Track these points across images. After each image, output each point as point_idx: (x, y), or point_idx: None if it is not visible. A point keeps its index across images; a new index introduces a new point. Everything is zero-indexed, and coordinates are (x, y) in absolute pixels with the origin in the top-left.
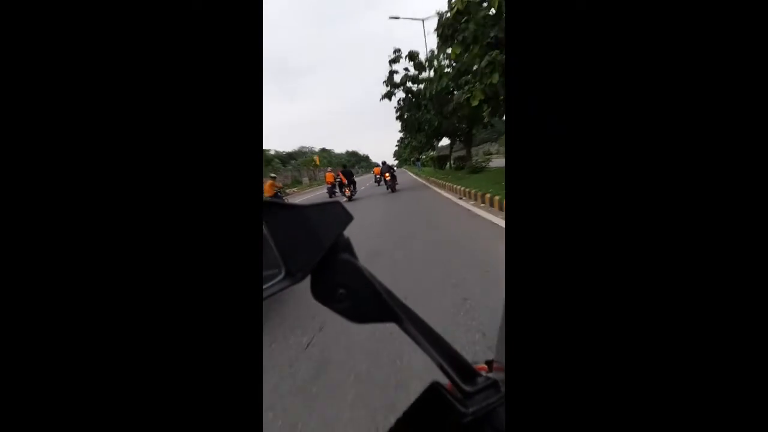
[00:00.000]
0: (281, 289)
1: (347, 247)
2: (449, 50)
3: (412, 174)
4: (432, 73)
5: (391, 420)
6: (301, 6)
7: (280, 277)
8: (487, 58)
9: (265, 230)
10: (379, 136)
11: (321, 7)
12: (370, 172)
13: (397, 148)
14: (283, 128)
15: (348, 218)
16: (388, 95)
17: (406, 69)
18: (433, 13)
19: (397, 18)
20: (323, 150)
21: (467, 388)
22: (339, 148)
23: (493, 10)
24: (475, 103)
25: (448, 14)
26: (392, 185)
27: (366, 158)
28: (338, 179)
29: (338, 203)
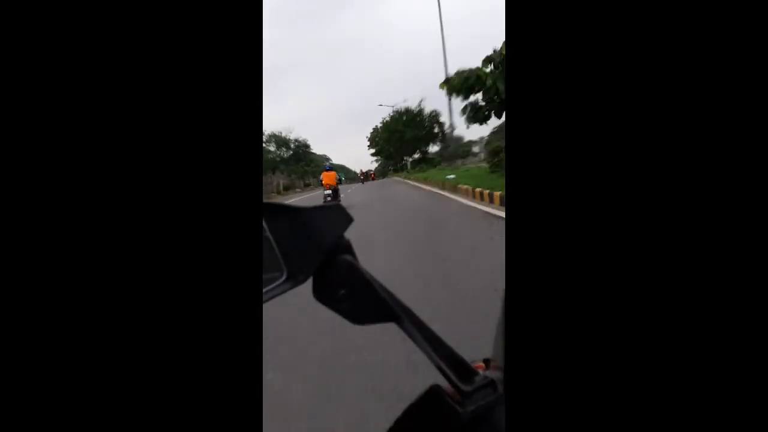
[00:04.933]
0: (283, 291)
1: (348, 248)
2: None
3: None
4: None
5: (390, 422)
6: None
7: (282, 279)
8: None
9: (267, 233)
10: (352, 142)
11: (302, 4)
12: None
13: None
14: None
15: (348, 220)
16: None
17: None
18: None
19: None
20: None
21: (465, 387)
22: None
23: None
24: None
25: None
26: None
27: (326, 159)
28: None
29: (339, 205)
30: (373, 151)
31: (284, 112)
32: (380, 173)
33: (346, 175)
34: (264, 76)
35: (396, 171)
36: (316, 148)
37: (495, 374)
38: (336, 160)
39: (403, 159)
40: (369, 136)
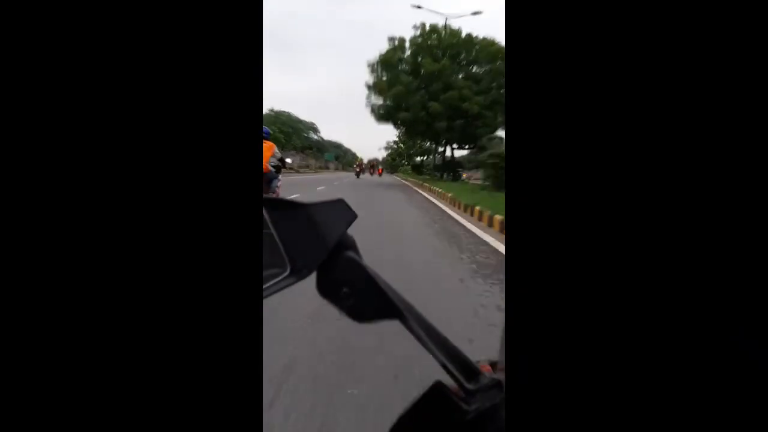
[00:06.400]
0: (286, 286)
1: (351, 245)
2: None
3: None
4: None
5: (393, 418)
6: None
7: (286, 273)
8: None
9: (271, 228)
10: (372, 133)
11: None
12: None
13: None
14: (273, 99)
15: (352, 216)
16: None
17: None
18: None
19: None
20: None
21: (470, 386)
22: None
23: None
24: None
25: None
26: None
27: (312, 127)
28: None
29: (343, 201)
30: (379, 101)
31: (306, 85)
32: (388, 166)
33: (339, 157)
34: (292, 43)
35: (416, 169)
36: (327, 130)
37: (501, 376)
38: (351, 146)
39: (440, 144)
40: (372, 64)
